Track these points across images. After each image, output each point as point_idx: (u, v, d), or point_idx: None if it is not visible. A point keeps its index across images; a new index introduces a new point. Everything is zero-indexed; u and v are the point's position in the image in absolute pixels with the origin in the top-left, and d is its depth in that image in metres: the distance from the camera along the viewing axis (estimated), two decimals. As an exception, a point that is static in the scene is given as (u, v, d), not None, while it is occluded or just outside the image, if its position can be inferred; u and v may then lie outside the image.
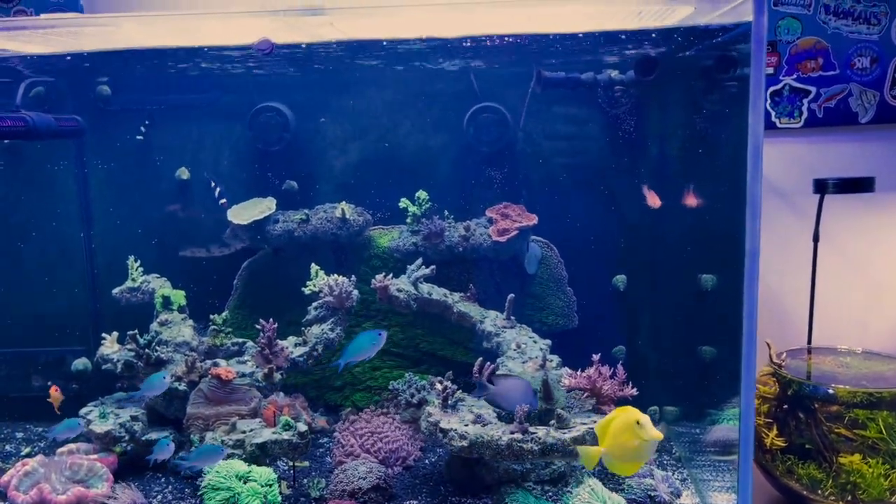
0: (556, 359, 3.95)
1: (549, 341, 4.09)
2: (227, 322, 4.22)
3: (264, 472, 3.43)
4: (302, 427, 3.57)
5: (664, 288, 4.52)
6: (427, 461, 4.02)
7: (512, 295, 4.24)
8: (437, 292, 4.36)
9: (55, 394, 4.15)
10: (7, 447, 4.29)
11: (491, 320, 4.27)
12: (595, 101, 4.48)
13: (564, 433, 3.27)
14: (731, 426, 3.99)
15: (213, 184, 4.51)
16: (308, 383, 4.66)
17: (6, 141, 3.46)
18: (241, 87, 4.60)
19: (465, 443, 3.28)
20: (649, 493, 3.31)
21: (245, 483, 3.38)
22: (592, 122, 4.52)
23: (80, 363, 4.62)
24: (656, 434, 2.62)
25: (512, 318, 4.25)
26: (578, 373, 3.56)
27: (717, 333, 4.47)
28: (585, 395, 3.50)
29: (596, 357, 3.53)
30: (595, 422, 3.37)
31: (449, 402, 3.48)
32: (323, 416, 4.43)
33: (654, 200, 4.22)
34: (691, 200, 4.10)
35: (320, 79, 4.64)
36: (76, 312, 4.69)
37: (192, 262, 4.73)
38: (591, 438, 3.31)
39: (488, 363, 3.87)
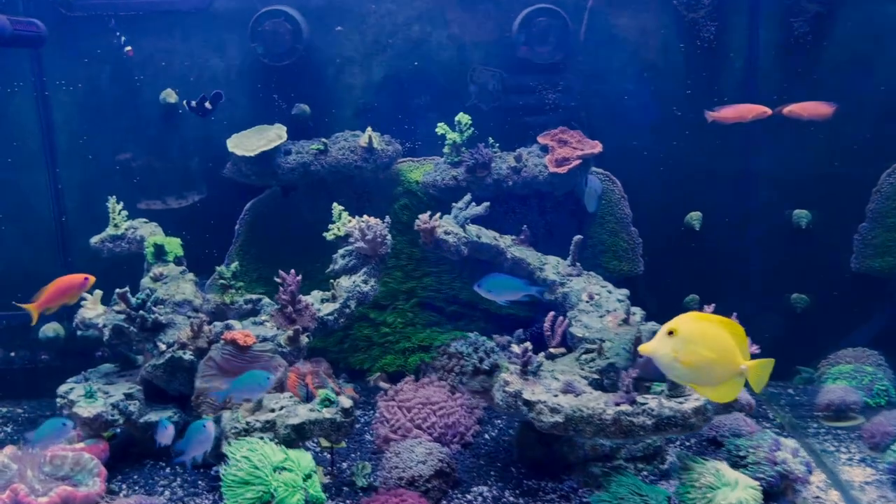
0: (639, 311, 3.31)
1: (626, 291, 3.43)
2: (237, 275, 3.45)
3: (303, 460, 2.72)
4: (346, 402, 2.86)
5: (748, 226, 3.89)
6: (486, 436, 3.37)
7: (579, 237, 3.55)
8: (486, 235, 3.65)
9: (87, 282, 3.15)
10: (-33, 434, 3.50)
11: (552, 267, 3.60)
12: (669, 3, 3.75)
13: (681, 402, 2.63)
14: (843, 386, 3.42)
15: (116, 31, 3.62)
16: (327, 345, 3.95)
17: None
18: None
19: (558, 417, 2.62)
20: (778, 469, 2.71)
21: (279, 474, 2.68)
22: (666, 29, 3.79)
23: (51, 329, 3.82)
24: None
25: (578, 264, 3.58)
26: (686, 328, 2.90)
27: (813, 278, 3.88)
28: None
29: (709, 308, 2.88)
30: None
31: (530, 367, 2.81)
32: (349, 384, 3.73)
33: (736, 113, 3.45)
34: (795, 109, 3.40)
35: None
36: (42, 268, 3.85)
37: (180, 202, 3.93)
38: (715, 408, 2.68)
39: (560, 318, 3.21)
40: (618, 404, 2.62)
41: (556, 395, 2.71)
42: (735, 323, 2.17)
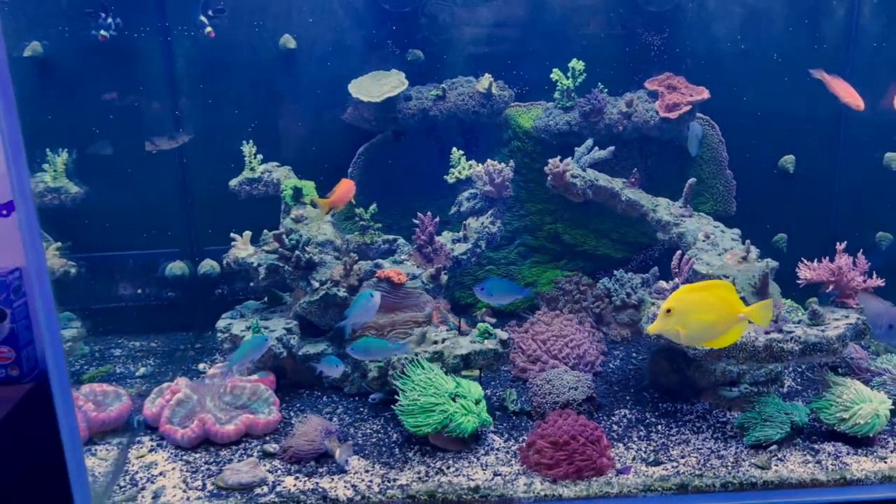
0: (755, 250, 3.55)
1: (738, 230, 3.67)
2: (375, 216, 3.62)
3: (473, 388, 2.98)
4: (503, 335, 3.09)
5: (839, 170, 4.13)
6: (611, 365, 3.64)
7: (693, 179, 3.76)
8: (602, 178, 3.85)
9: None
10: (117, 368, 3.67)
11: (664, 208, 3.81)
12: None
13: (823, 330, 2.91)
14: None
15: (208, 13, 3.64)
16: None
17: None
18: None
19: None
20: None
21: (454, 401, 2.92)
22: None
23: (178, 267, 3.97)
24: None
25: (689, 205, 3.80)
26: (816, 263, 3.17)
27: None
28: (830, 287, 3.12)
29: (840, 246, 3.13)
30: (847, 317, 3.03)
31: (677, 301, 3.05)
32: (460, 318, 3.96)
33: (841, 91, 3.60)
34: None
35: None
36: (167, 210, 3.99)
37: (297, 147, 4.04)
38: (851, 336, 2.96)
39: (686, 256, 3.45)
40: (767, 332, 2.89)
41: (706, 326, 2.96)
42: (723, 282, 2.54)
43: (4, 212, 2.83)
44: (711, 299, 2.44)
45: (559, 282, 3.94)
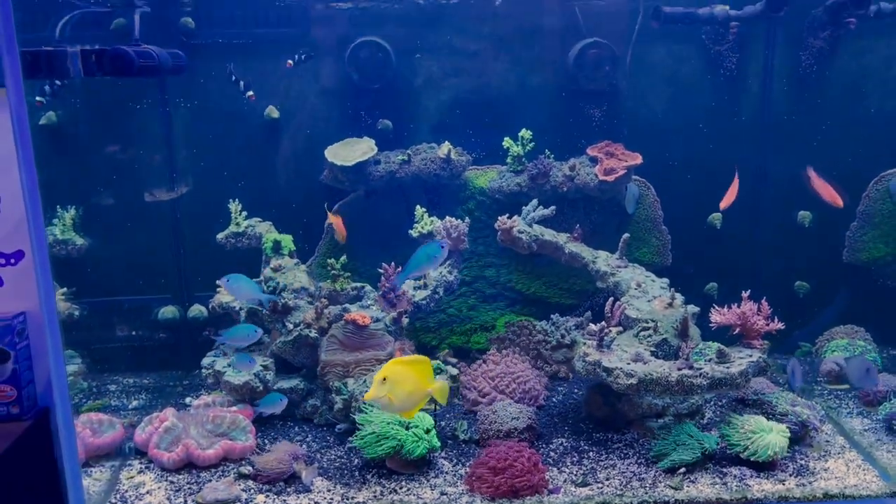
0: (680, 297, 4.02)
1: (666, 280, 4.15)
2: (345, 266, 4.09)
3: (423, 418, 3.41)
4: (452, 371, 3.54)
5: (759, 225, 4.64)
6: (554, 399, 4.07)
7: (627, 235, 4.26)
8: (548, 233, 4.34)
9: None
10: (112, 402, 4.09)
11: (603, 260, 4.30)
12: (698, 37, 4.47)
13: (728, 367, 3.36)
14: (841, 356, 4.19)
15: (233, 77, 4.19)
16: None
17: (136, 77, 3.17)
18: (333, 18, 4.36)
19: (633, 380, 3.33)
20: (800, 420, 3.46)
21: (407, 430, 3.35)
22: (695, 59, 4.51)
23: (169, 311, 4.42)
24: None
25: (624, 257, 4.28)
26: (725, 309, 3.64)
27: (814, 269, 4.65)
28: (736, 330, 3.59)
29: (745, 294, 3.61)
30: (751, 356, 3.48)
31: (604, 341, 3.51)
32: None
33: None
34: (816, 183, 4.12)
35: (415, 11, 4.43)
36: (161, 259, 4.45)
37: (278, 205, 4.54)
38: (753, 372, 3.42)
39: (618, 303, 3.92)
40: (680, 369, 3.35)
41: (628, 363, 3.42)
42: (425, 359, 2.94)
43: (13, 260, 3.23)
44: (414, 372, 2.87)
45: (510, 325, 4.39)
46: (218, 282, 3.79)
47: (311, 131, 4.44)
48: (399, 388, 2.82)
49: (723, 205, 4.11)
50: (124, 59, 3.00)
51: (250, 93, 4.10)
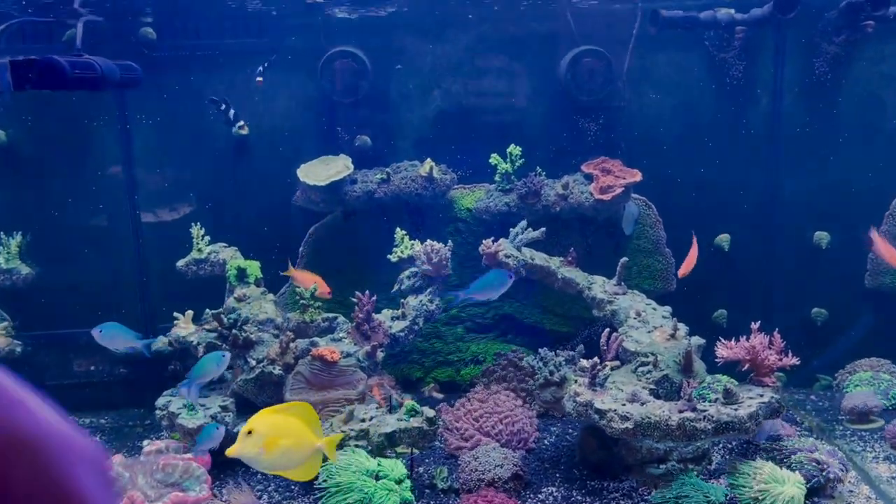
0: (683, 327, 3.65)
1: (669, 308, 3.77)
2: (314, 295, 3.74)
3: (395, 467, 3.04)
4: (430, 413, 3.18)
5: (773, 247, 4.25)
6: (546, 441, 3.69)
7: (625, 259, 3.89)
8: (539, 257, 3.98)
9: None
10: (61, 445, 3.73)
11: (599, 286, 3.93)
12: (702, 43, 4.12)
13: (736, 409, 2.98)
14: (865, 392, 3.78)
15: (223, 105, 3.91)
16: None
17: (73, 90, 2.88)
18: (307, 28, 4.05)
19: (628, 424, 2.95)
20: (821, 468, 3.06)
21: (377, 480, 2.98)
22: (698, 67, 4.16)
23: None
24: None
25: (623, 283, 3.91)
26: (733, 342, 3.26)
27: (832, 294, 4.25)
28: (745, 366, 3.21)
29: (755, 325, 3.23)
30: (762, 396, 3.10)
31: (597, 379, 3.14)
32: (406, 395, 4.03)
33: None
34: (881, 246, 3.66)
35: (395, 19, 4.12)
36: (121, 288, 4.13)
37: (249, 228, 4.21)
38: (764, 414, 3.03)
39: (615, 334, 3.55)
40: (681, 411, 2.96)
41: (623, 404, 3.05)
42: (306, 405, 2.41)
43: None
44: (293, 424, 2.34)
45: (498, 357, 4.03)
46: (92, 331, 3.40)
47: (284, 148, 4.13)
48: (274, 444, 2.30)
49: (681, 273, 3.72)
50: (55, 69, 2.69)
51: (259, 79, 3.82)
